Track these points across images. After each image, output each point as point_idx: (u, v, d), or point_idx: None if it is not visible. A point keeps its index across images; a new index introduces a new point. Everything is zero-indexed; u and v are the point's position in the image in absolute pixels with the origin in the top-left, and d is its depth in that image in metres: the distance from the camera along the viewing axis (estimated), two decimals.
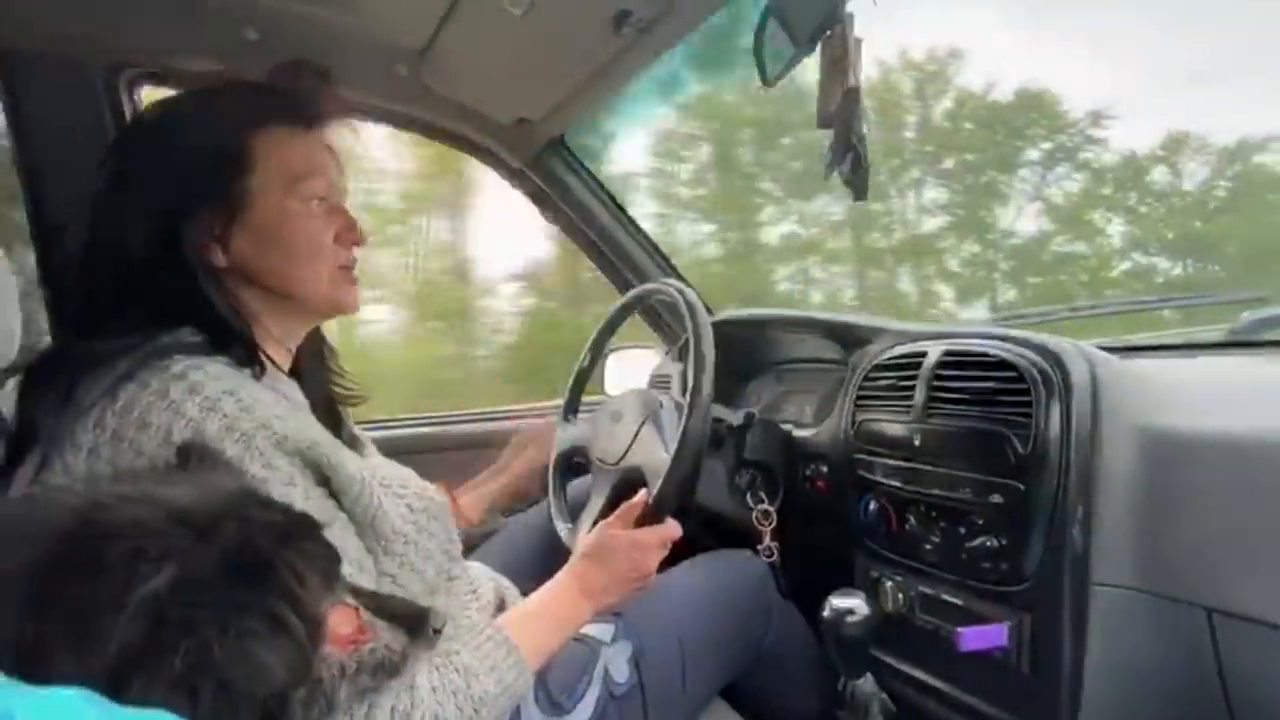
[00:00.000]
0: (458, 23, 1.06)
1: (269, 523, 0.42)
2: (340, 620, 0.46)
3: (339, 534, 0.61)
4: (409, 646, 0.50)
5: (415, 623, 0.51)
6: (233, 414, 0.58)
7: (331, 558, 0.47)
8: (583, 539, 0.85)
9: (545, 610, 0.77)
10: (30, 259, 1.08)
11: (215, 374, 0.60)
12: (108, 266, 0.65)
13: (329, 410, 0.79)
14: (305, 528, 0.45)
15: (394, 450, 0.87)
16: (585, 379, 1.21)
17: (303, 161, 0.70)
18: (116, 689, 0.30)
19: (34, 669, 0.29)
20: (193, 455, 0.50)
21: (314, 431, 0.63)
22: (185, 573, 0.35)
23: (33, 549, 0.36)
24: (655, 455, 0.93)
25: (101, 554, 0.35)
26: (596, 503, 1.01)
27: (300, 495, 0.59)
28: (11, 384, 0.66)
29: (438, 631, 0.52)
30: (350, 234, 0.73)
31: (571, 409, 1.19)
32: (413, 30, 1.11)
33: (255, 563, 0.38)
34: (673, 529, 0.84)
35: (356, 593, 0.49)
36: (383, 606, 0.50)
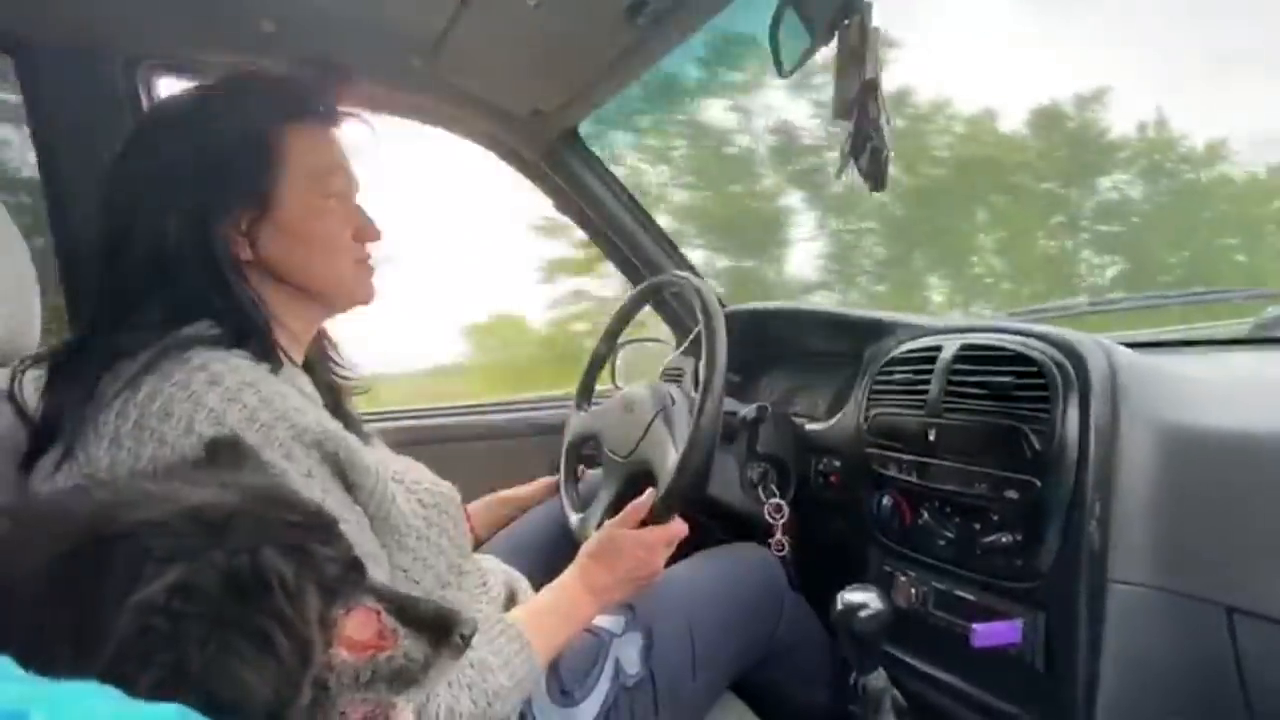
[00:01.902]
0: (472, 14, 1.06)
1: (283, 526, 0.41)
2: (359, 625, 0.45)
3: (354, 529, 0.61)
4: (432, 656, 0.47)
5: (441, 630, 0.48)
6: (253, 405, 0.58)
7: (348, 562, 0.45)
8: (591, 533, 0.86)
9: (552, 607, 0.78)
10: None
11: (235, 367, 0.60)
12: (133, 260, 0.64)
13: (337, 401, 0.79)
14: (321, 530, 0.44)
15: (402, 442, 0.87)
16: (599, 367, 1.22)
17: (327, 158, 0.71)
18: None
19: (37, 662, 0.29)
20: (222, 451, 0.49)
21: (331, 425, 0.64)
22: (186, 578, 0.34)
23: (55, 542, 0.36)
24: (664, 453, 0.93)
25: (113, 551, 0.35)
26: (606, 495, 1.02)
27: (318, 488, 0.59)
28: (32, 373, 0.67)
29: (465, 639, 0.48)
30: (367, 231, 0.74)
31: (585, 397, 1.20)
32: (427, 22, 1.11)
33: (253, 576, 0.37)
34: (678, 529, 0.85)
35: (379, 595, 0.47)
36: (406, 610, 0.47)
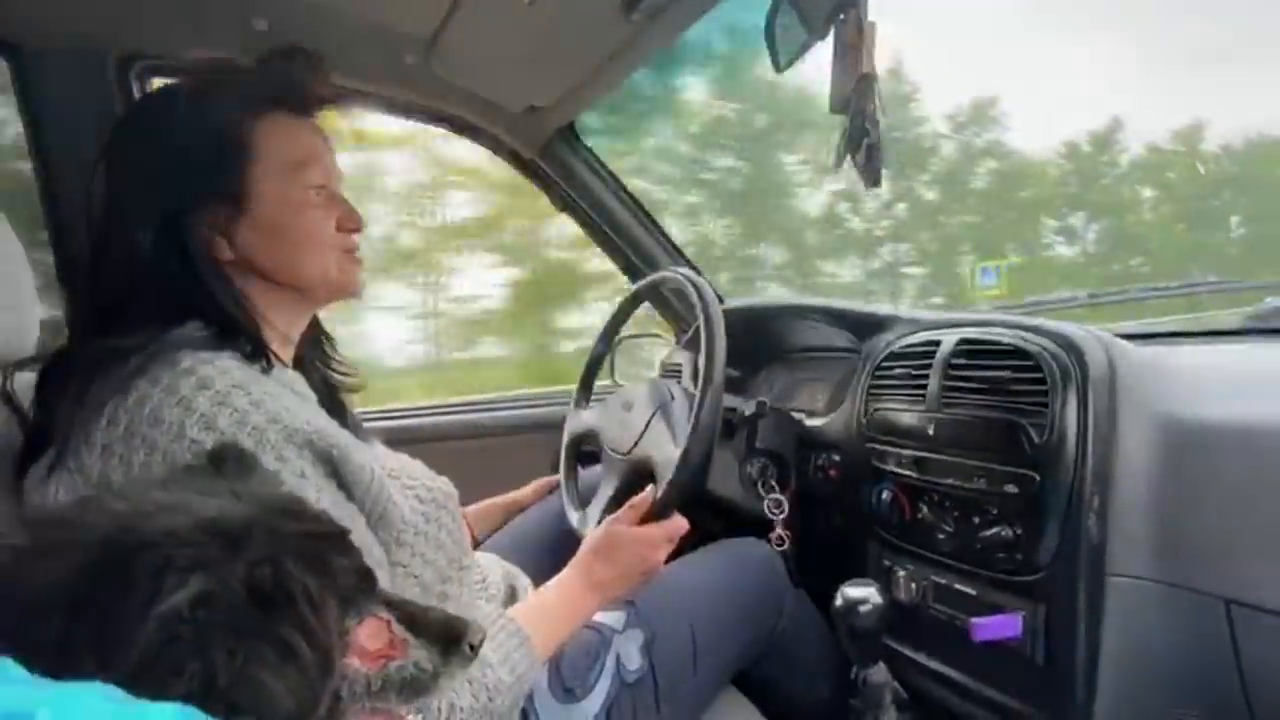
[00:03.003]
0: (467, 10, 1.05)
1: (299, 536, 0.41)
2: (370, 634, 0.45)
3: (352, 529, 0.61)
4: (442, 665, 0.47)
5: (451, 639, 0.48)
6: (243, 408, 0.58)
7: (360, 571, 0.45)
8: (591, 530, 0.86)
9: (553, 603, 0.78)
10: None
11: (224, 369, 0.60)
12: (116, 263, 0.64)
13: (332, 399, 0.78)
14: (336, 540, 0.44)
15: (398, 440, 0.86)
16: (598, 365, 1.22)
17: (302, 150, 0.69)
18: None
19: (62, 673, 0.29)
20: (228, 459, 0.49)
21: (323, 423, 0.63)
22: (209, 588, 0.34)
23: (74, 554, 0.36)
24: (664, 450, 0.93)
25: (134, 562, 0.35)
26: (606, 492, 1.02)
27: (312, 489, 0.59)
28: (29, 375, 0.67)
29: (474, 648, 0.48)
30: (350, 221, 0.73)
31: (584, 394, 1.20)
32: (422, 18, 1.10)
33: (276, 586, 0.37)
34: (680, 524, 0.85)
35: (389, 604, 0.47)
36: (417, 620, 0.47)
